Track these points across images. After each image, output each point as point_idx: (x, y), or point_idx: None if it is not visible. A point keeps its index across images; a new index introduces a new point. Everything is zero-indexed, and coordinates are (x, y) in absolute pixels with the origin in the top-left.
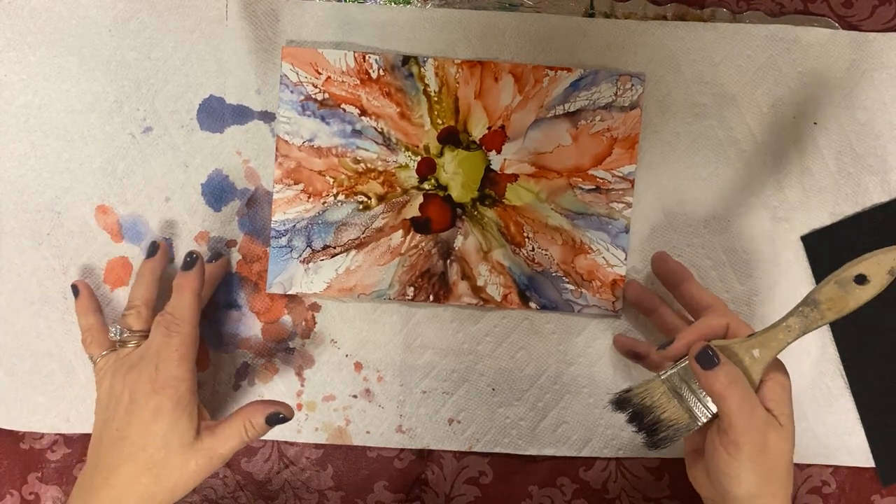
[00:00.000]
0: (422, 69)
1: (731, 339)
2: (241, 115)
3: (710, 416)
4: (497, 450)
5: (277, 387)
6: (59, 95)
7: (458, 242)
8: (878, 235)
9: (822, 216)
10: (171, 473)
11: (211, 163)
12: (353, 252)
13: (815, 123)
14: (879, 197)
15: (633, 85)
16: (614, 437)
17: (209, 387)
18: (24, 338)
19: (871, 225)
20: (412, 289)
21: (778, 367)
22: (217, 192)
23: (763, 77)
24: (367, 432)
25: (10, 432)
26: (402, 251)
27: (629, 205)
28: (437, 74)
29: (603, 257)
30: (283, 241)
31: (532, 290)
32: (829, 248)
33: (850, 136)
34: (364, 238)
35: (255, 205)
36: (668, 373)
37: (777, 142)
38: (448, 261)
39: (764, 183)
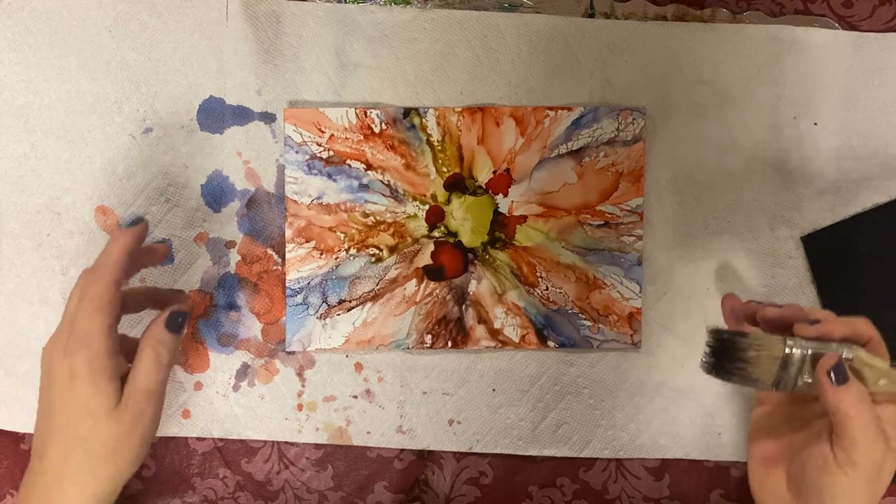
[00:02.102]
0: (423, 120)
1: (873, 357)
2: (242, 115)
3: (792, 390)
4: (497, 450)
5: (278, 387)
6: (60, 96)
7: (473, 287)
8: (878, 236)
9: (822, 216)
10: (105, 443)
11: (211, 164)
12: (368, 304)
13: (815, 124)
14: (879, 197)
15: (634, 119)
16: (615, 437)
17: (209, 388)
18: (23, 339)
19: (871, 225)
20: (430, 336)
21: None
22: (217, 192)
23: (763, 77)
24: (368, 433)
25: (11, 433)
26: (417, 300)
27: (639, 237)
28: (438, 124)
29: (618, 291)
30: (299, 298)
31: (549, 329)
32: (828, 249)
33: (850, 136)
34: (378, 290)
35: (255, 206)
36: (797, 345)
37: (777, 142)
38: (463, 306)
39: (764, 183)
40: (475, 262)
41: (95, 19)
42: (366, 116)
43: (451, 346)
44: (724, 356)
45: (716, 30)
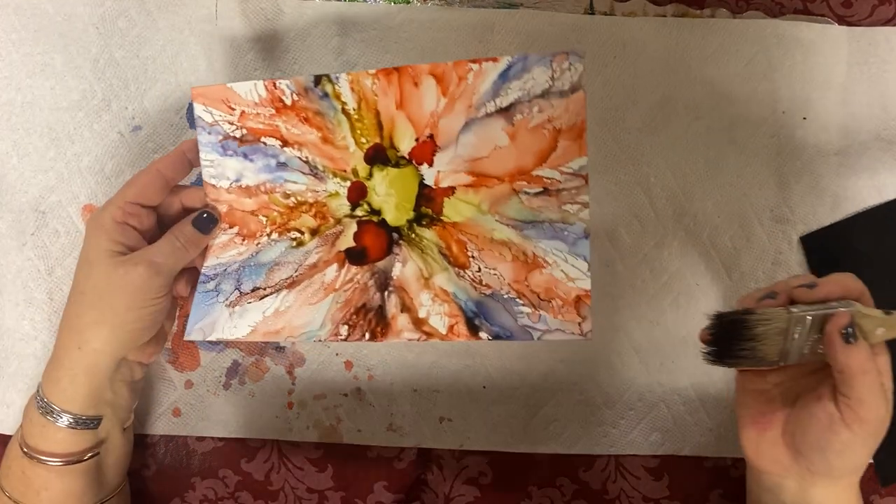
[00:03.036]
0: (336, 87)
1: (870, 309)
2: None
3: (793, 363)
4: (488, 447)
5: (268, 385)
6: (44, 93)
7: (397, 270)
8: (877, 236)
9: (822, 216)
10: (94, 287)
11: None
12: (283, 292)
13: (804, 118)
14: (878, 197)
15: (570, 64)
16: (605, 434)
17: (200, 387)
18: (9, 340)
19: (870, 225)
20: (346, 327)
21: (884, 344)
22: None
23: (762, 76)
24: (359, 431)
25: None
26: (337, 286)
27: (585, 205)
28: (352, 90)
29: (562, 270)
30: (211, 285)
31: (481, 318)
32: (828, 249)
33: (849, 135)
34: (297, 276)
35: None
36: (800, 313)
37: (776, 141)
38: (386, 293)
39: (763, 183)
40: (400, 242)
41: (82, 16)
42: (275, 88)
43: (370, 339)
44: (732, 338)
45: (715, 29)
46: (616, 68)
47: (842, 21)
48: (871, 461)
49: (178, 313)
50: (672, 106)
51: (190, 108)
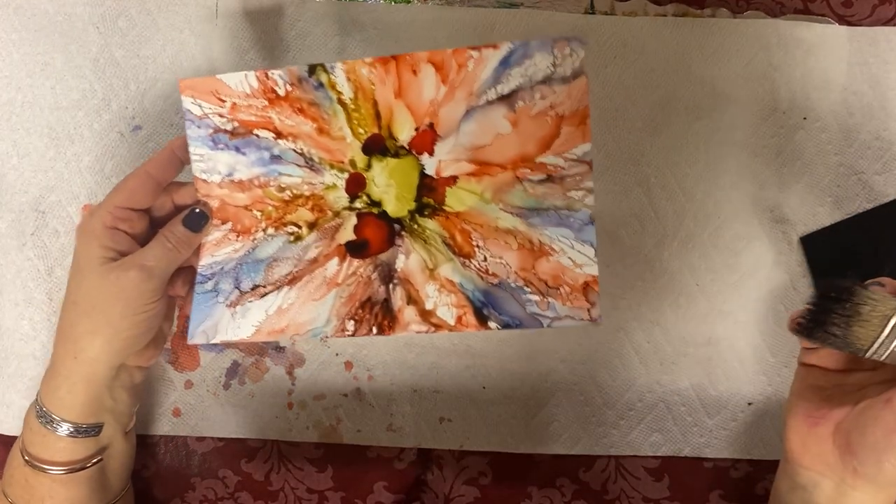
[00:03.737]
0: (331, 76)
1: None
2: None
3: (881, 358)
4: (487, 448)
5: (268, 386)
6: (44, 93)
7: (401, 262)
8: (877, 236)
9: (822, 216)
10: (86, 296)
11: None
12: (285, 289)
13: (804, 118)
14: (879, 197)
15: (571, 50)
16: (605, 434)
17: (200, 387)
18: (8, 340)
19: (871, 226)
20: (352, 322)
21: None
22: None
23: (762, 76)
24: (359, 431)
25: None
26: (340, 281)
27: (590, 191)
28: (348, 79)
29: (569, 257)
30: (209, 285)
31: (490, 307)
32: (828, 250)
33: (849, 135)
34: (297, 272)
35: None
36: None
37: (776, 141)
38: (391, 285)
39: (763, 183)
40: (402, 233)
41: (82, 16)
42: (267, 79)
43: (377, 333)
44: (834, 311)
45: (716, 29)
46: (616, 68)
47: (842, 21)
48: None
49: (176, 314)
50: (672, 106)
51: None
